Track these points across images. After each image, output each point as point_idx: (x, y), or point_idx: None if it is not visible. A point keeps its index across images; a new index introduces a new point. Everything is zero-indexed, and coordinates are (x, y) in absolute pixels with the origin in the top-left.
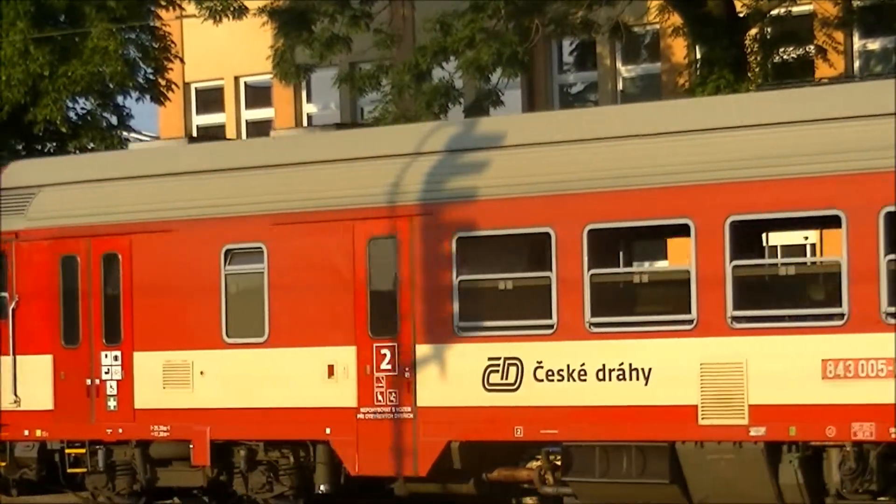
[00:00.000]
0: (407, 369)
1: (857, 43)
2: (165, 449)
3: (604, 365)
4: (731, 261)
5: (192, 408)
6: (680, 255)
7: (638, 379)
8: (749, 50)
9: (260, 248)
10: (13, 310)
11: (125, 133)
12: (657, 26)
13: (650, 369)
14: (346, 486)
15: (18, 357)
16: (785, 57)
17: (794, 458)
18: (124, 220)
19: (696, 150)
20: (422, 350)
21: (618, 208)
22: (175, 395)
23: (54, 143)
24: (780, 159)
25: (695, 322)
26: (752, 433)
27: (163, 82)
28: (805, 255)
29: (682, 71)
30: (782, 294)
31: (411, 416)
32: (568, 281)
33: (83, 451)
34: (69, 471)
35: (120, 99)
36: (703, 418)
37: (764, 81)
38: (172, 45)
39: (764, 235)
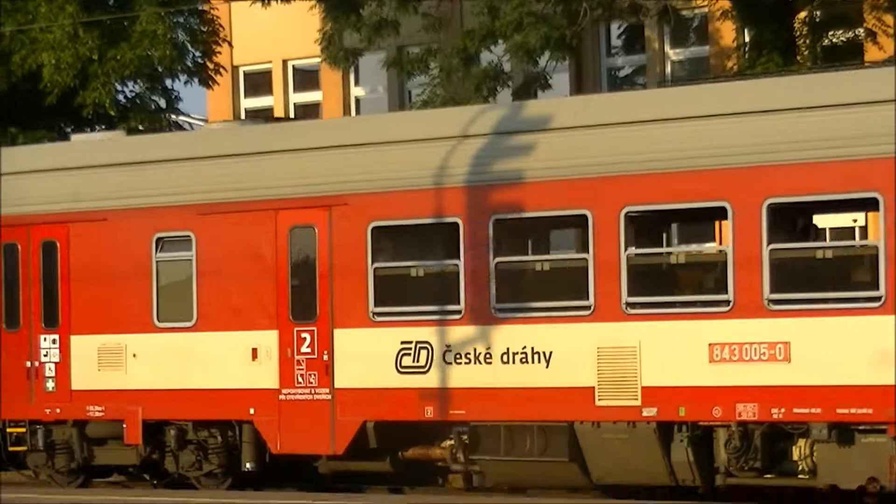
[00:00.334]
0: (325, 352)
1: None
2: (101, 428)
3: (508, 348)
4: (625, 249)
5: (125, 389)
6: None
7: (539, 362)
8: (798, 33)
9: (189, 236)
10: None
11: (174, 116)
12: (706, 9)
13: (551, 353)
14: (274, 464)
15: None
16: (834, 40)
17: (685, 437)
18: (62, 209)
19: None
20: (339, 334)
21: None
22: (109, 376)
23: (103, 126)
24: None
25: (592, 308)
26: (645, 413)
27: (211, 66)
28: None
29: (730, 54)
30: (674, 282)
31: (329, 397)
32: (473, 271)
33: (23, 430)
34: (10, 449)
35: (168, 82)
36: (599, 399)
37: (813, 64)
38: (221, 29)
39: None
